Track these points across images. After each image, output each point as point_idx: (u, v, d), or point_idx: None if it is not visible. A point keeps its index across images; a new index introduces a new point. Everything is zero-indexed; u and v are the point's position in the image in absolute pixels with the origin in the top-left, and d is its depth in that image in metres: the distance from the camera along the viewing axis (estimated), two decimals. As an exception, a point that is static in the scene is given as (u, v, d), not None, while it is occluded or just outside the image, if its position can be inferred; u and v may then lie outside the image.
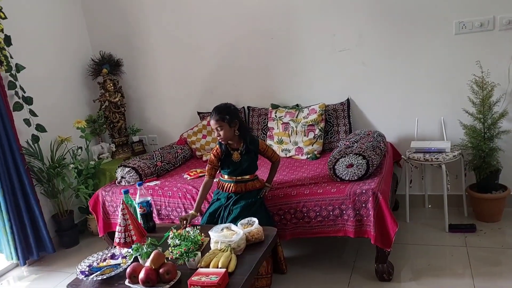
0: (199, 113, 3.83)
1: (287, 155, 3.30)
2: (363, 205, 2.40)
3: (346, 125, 3.31)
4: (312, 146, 3.23)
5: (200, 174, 3.10)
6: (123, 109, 3.97)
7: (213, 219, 2.51)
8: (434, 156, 2.93)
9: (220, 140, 2.54)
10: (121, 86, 3.97)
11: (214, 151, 2.60)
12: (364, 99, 3.37)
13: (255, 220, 2.10)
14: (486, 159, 2.94)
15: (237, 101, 3.66)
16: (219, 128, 2.48)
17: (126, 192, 2.23)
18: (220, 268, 1.79)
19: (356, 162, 2.54)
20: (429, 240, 2.88)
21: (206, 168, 2.62)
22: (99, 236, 3.13)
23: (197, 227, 1.98)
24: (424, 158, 2.94)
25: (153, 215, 2.86)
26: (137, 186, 2.31)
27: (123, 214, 2.06)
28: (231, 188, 2.56)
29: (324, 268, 2.70)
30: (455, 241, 2.83)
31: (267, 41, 3.52)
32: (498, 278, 2.38)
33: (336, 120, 3.33)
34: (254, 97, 3.66)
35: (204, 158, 3.50)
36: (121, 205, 2.07)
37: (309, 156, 3.21)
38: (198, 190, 2.78)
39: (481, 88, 2.91)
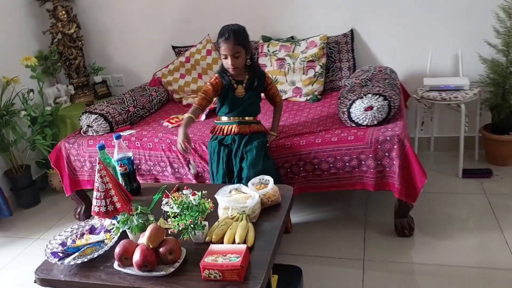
0: (174, 48, 3.26)
1: (283, 97, 2.85)
2: (386, 154, 2.05)
3: (350, 60, 2.88)
4: (312, 86, 2.80)
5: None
6: (80, 43, 3.33)
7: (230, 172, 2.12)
8: (452, 94, 2.59)
9: (231, 70, 2.10)
10: (76, 15, 3.29)
11: (213, 80, 2.15)
12: (370, 30, 2.92)
13: (269, 178, 1.69)
14: (506, 97, 2.64)
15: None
16: (236, 55, 2.05)
17: (102, 147, 1.74)
18: (238, 243, 1.40)
19: (376, 104, 2.15)
20: (443, 187, 2.62)
21: (199, 96, 2.16)
22: (66, 195, 2.64)
23: (203, 191, 1.57)
24: (440, 97, 2.60)
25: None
26: (114, 140, 1.82)
27: (101, 177, 1.59)
28: (233, 130, 2.15)
29: (332, 224, 2.40)
30: (471, 187, 2.58)
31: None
32: (528, 229, 2.17)
33: (338, 54, 2.89)
34: (241, 28, 3.11)
35: (185, 102, 3.00)
36: (97, 165, 1.59)
37: (309, 97, 2.79)
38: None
39: (509, 15, 2.54)
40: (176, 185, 1.89)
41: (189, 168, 2.28)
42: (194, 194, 1.62)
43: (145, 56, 3.41)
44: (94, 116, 2.57)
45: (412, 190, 2.05)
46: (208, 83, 2.16)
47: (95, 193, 1.61)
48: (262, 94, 2.29)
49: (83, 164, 2.53)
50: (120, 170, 1.82)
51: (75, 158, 2.54)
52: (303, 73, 2.81)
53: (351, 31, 2.89)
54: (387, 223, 2.28)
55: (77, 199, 2.66)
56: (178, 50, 3.23)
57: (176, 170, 2.37)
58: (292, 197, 1.73)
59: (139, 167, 2.43)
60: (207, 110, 2.72)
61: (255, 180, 1.71)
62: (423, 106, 2.78)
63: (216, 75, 2.16)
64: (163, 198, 1.66)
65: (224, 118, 2.21)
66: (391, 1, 2.82)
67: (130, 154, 1.86)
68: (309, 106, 2.69)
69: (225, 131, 2.17)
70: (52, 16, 3.20)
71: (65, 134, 3.03)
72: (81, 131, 2.63)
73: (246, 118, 2.19)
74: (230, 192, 1.65)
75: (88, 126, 2.59)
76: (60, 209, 2.94)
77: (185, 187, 1.71)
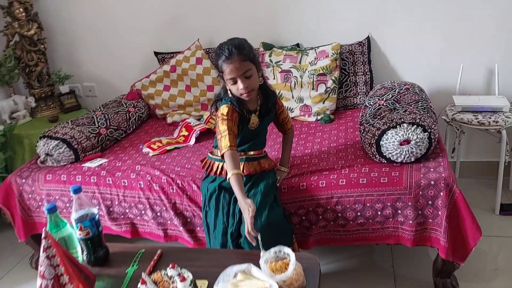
0: (156, 54, 2.74)
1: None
2: (429, 202, 1.61)
3: (366, 73, 2.43)
4: (323, 103, 2.34)
5: (167, 147, 2.13)
6: (42, 46, 2.80)
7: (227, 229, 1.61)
8: (490, 118, 2.16)
9: (245, 95, 1.58)
10: (37, 13, 2.75)
11: (226, 112, 1.58)
12: (389, 38, 2.48)
13: (289, 252, 1.21)
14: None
15: (211, 38, 2.63)
16: (247, 74, 1.55)
17: (52, 210, 1.22)
18: None
19: (414, 137, 1.69)
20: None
21: (224, 136, 1.55)
22: (20, 241, 2.11)
23: (197, 281, 1.08)
24: (477, 121, 2.17)
25: (103, 215, 1.91)
26: (72, 194, 1.31)
27: (48, 258, 1.10)
28: (242, 170, 1.64)
29: (355, 279, 1.94)
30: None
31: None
32: None
33: (353, 67, 2.43)
34: (236, 33, 2.57)
35: (169, 120, 2.50)
36: (43, 241, 1.09)
37: (319, 117, 2.32)
38: (169, 176, 1.84)
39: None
40: (158, 252, 1.39)
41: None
42: (183, 280, 1.15)
43: (121, 63, 2.90)
44: (54, 142, 2.05)
45: (462, 248, 1.61)
46: (221, 120, 1.57)
47: (39, 281, 1.11)
48: None
49: (40, 203, 2.01)
50: (80, 235, 1.31)
51: (30, 196, 2.02)
52: (313, 89, 2.34)
53: (368, 38, 2.43)
54: (423, 281, 1.85)
55: (34, 245, 2.13)
56: (162, 57, 2.72)
57: (158, 214, 1.87)
58: (319, 274, 1.26)
59: (111, 209, 1.92)
60: (198, 132, 2.24)
61: (269, 254, 1.23)
62: (454, 129, 2.34)
63: (227, 104, 1.60)
64: (139, 285, 1.16)
65: None
66: (415, 3, 2.37)
67: (94, 210, 1.35)
68: (321, 129, 2.22)
69: None
70: (6, 13, 2.67)
71: (22, 158, 2.50)
72: (38, 161, 2.11)
73: (253, 152, 1.71)
74: (235, 276, 1.16)
75: (47, 154, 2.07)
76: (16, 251, 2.39)
77: (170, 265, 1.23)
